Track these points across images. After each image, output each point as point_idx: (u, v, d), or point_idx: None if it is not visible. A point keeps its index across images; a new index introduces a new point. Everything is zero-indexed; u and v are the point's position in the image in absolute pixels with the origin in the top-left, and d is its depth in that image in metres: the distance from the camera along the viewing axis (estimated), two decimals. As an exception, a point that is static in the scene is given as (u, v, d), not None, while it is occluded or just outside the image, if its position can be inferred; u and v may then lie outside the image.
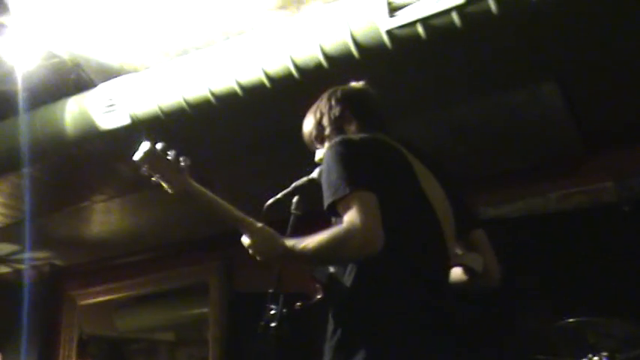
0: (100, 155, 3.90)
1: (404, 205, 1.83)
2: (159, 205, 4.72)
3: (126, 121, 3.42)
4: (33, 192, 4.33)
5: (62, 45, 3.36)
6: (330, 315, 1.81)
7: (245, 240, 1.93)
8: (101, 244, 5.80)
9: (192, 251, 5.70)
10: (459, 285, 1.99)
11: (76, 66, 3.48)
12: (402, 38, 2.70)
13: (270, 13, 3.07)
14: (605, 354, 2.94)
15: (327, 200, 1.76)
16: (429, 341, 1.71)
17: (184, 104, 3.24)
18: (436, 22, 2.60)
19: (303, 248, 1.76)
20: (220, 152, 3.93)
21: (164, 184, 1.99)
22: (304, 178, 2.09)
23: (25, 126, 3.66)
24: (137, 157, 1.97)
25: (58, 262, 6.34)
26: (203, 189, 1.99)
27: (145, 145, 1.97)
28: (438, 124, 3.68)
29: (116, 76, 3.48)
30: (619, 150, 4.03)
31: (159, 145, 1.99)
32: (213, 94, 3.16)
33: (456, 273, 1.99)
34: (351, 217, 1.68)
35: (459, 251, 2.00)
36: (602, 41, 3.04)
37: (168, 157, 1.98)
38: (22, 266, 6.30)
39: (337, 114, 2.08)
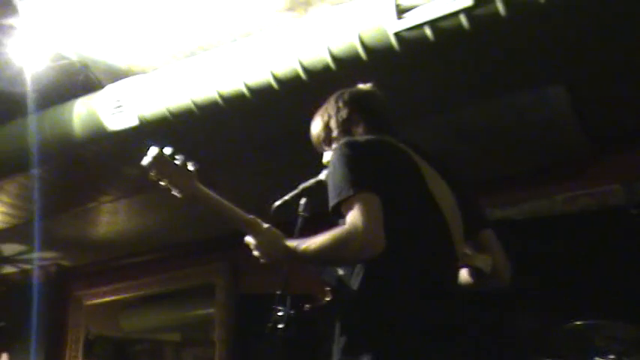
0: (108, 156, 3.91)
1: (410, 207, 1.83)
2: (165, 207, 4.73)
3: (134, 122, 3.43)
4: (41, 193, 4.34)
5: (70, 46, 3.37)
6: (337, 316, 1.81)
7: (250, 241, 1.93)
8: (108, 244, 5.82)
9: (199, 252, 5.72)
10: (468, 286, 1.99)
11: (84, 67, 3.50)
12: (409, 40, 2.70)
13: (277, 15, 3.08)
14: (611, 357, 2.94)
15: (331, 201, 1.78)
16: (435, 343, 1.71)
17: (192, 106, 3.25)
18: (444, 24, 2.60)
19: (306, 249, 1.77)
20: (228, 154, 3.94)
21: (172, 189, 2.00)
22: (312, 180, 2.10)
23: (33, 127, 3.67)
24: (145, 162, 1.97)
25: (64, 262, 6.38)
26: (210, 193, 1.99)
27: (153, 150, 1.97)
28: (445, 126, 3.67)
29: (124, 78, 3.49)
30: (626, 153, 4.01)
31: (167, 150, 1.99)
32: (220, 95, 3.16)
33: (466, 274, 2.00)
34: (352, 218, 1.69)
35: (468, 252, 1.99)
36: (610, 44, 3.03)
37: (176, 162, 1.98)
38: (30, 266, 6.33)
39: (344, 116, 2.09)
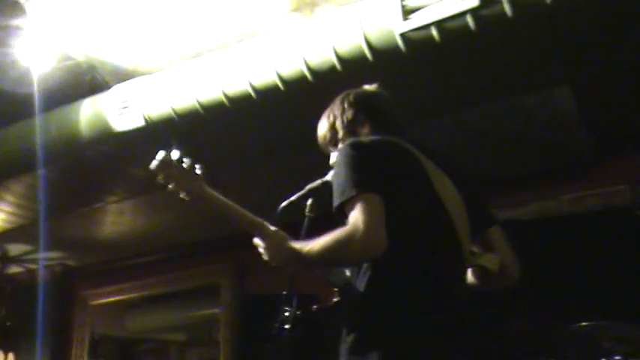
0: (114, 156, 3.92)
1: (415, 207, 1.83)
2: (171, 207, 4.74)
3: (140, 122, 3.43)
4: (47, 193, 4.35)
5: (77, 47, 3.38)
6: (344, 317, 1.81)
7: (259, 244, 1.95)
8: (113, 244, 5.84)
9: (204, 252, 5.73)
10: (476, 285, 1.99)
11: (91, 68, 3.50)
12: (415, 41, 2.69)
13: (283, 16, 3.08)
14: (617, 358, 2.93)
15: (335, 202, 1.78)
16: (440, 343, 1.71)
17: (198, 106, 3.25)
18: (450, 25, 2.59)
19: (309, 251, 1.78)
20: (233, 154, 3.95)
21: (180, 192, 2.00)
22: (318, 181, 2.10)
23: (39, 127, 3.68)
24: (153, 166, 1.98)
25: (70, 262, 6.39)
26: (218, 195, 2.00)
27: (161, 154, 1.98)
28: (451, 127, 3.67)
29: (130, 78, 3.49)
30: (632, 154, 4.01)
31: (174, 154, 2.00)
32: (226, 96, 3.16)
33: (474, 273, 2.00)
34: (354, 219, 1.69)
35: (476, 251, 1.99)
36: (616, 45, 3.02)
37: (184, 166, 1.99)
38: (35, 266, 6.34)
39: (350, 117, 2.10)
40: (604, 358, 2.95)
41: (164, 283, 6.08)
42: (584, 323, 3.02)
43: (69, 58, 3.41)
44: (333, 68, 2.88)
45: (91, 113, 3.58)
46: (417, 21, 2.64)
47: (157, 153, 1.98)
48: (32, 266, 6.36)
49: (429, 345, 1.70)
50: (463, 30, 2.59)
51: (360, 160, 1.81)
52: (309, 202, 2.10)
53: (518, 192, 4.21)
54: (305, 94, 3.02)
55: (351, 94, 2.16)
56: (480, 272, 1.98)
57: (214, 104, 3.22)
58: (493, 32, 2.63)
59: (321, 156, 2.20)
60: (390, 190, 1.76)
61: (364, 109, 2.11)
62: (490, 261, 1.94)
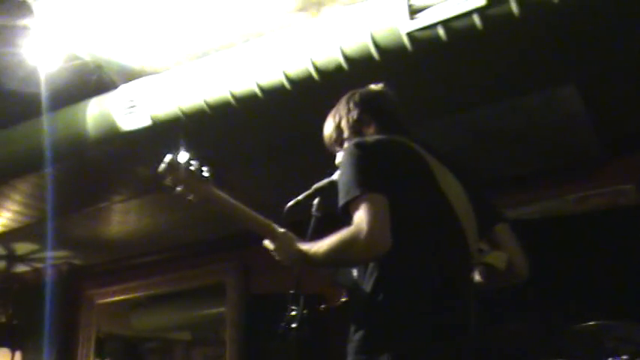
0: (121, 156, 3.92)
1: (421, 206, 1.83)
2: (176, 206, 4.75)
3: (147, 122, 3.44)
4: (54, 192, 4.36)
5: (84, 47, 3.38)
6: (351, 316, 1.82)
7: (269, 245, 1.97)
8: (119, 244, 5.85)
9: (210, 252, 5.73)
10: (484, 284, 1.99)
11: (98, 67, 3.51)
12: (422, 40, 2.69)
13: (290, 15, 3.08)
14: (624, 358, 2.93)
15: (340, 202, 1.79)
16: (447, 343, 1.72)
17: (205, 106, 3.26)
18: (457, 24, 2.59)
19: (316, 252, 1.80)
20: (240, 153, 3.95)
21: (188, 195, 2.00)
22: (325, 180, 2.11)
23: (47, 127, 3.69)
24: (161, 169, 1.98)
25: (76, 261, 6.41)
26: (227, 197, 2.00)
27: (169, 157, 1.98)
28: (457, 126, 3.67)
29: (137, 78, 3.50)
30: (638, 153, 4.01)
31: (182, 157, 2.00)
32: (233, 96, 3.17)
33: (481, 271, 2.00)
34: (358, 219, 1.70)
35: (484, 248, 1.99)
36: (623, 44, 3.02)
37: (192, 169, 1.98)
38: (42, 265, 6.36)
39: (355, 117, 2.11)
40: (610, 357, 2.94)
41: (170, 282, 6.09)
42: (588, 323, 3.02)
43: (76, 57, 3.42)
44: (339, 68, 2.89)
45: (97, 113, 3.59)
46: (423, 20, 2.64)
47: (163, 153, 1.98)
48: (39, 265, 6.38)
49: (435, 345, 1.70)
50: (470, 29, 2.59)
51: (365, 160, 1.81)
52: (316, 201, 2.10)
53: (523, 191, 4.20)
54: (311, 93, 3.02)
55: (357, 93, 2.17)
56: (487, 270, 1.98)
57: (221, 104, 3.23)
58: (500, 31, 2.63)
59: (327, 156, 2.20)
60: (396, 190, 1.76)
61: (370, 109, 2.11)
62: (497, 259, 1.94)
